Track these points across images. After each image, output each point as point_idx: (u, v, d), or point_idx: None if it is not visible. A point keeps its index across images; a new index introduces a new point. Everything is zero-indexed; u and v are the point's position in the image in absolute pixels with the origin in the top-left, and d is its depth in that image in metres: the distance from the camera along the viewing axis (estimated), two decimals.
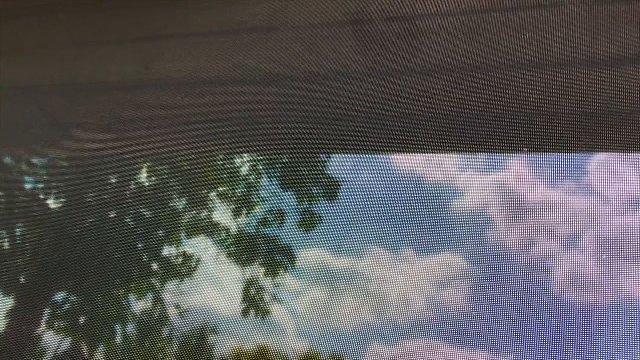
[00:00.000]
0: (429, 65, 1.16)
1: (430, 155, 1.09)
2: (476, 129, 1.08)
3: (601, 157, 0.98)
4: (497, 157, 1.05)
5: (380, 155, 1.13)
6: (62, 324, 1.18)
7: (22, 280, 1.29)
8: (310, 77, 1.24)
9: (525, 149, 1.02)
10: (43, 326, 1.18)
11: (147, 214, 1.32)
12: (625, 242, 0.89)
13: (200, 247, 1.20)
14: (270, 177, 1.24)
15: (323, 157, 1.19)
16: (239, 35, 1.31)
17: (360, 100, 1.18)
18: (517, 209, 0.99)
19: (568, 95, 1.04)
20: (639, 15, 1.02)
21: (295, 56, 1.25)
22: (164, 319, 1.14)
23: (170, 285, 1.17)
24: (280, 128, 1.21)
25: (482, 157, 1.06)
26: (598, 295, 0.89)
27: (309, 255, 1.10)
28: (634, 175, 0.94)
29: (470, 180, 1.05)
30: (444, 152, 1.10)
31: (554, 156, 1.01)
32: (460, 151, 1.09)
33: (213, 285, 1.15)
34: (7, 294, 1.24)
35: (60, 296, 1.22)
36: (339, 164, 1.17)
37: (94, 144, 1.36)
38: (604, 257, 0.90)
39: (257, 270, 1.13)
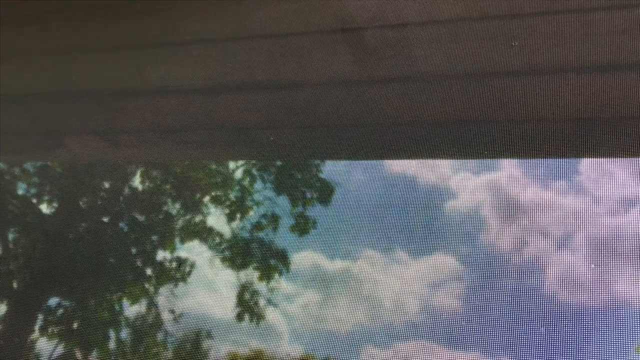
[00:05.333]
0: (419, 73, 1.17)
1: (421, 160, 1.11)
2: (467, 136, 1.09)
3: (591, 160, 0.99)
4: (489, 161, 1.06)
5: (373, 161, 1.14)
6: (55, 330, 1.18)
7: (15, 285, 1.29)
8: (302, 85, 1.25)
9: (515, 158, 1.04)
10: (36, 332, 1.18)
11: (140, 219, 1.32)
12: (617, 243, 0.91)
13: (194, 251, 1.20)
14: (264, 182, 1.25)
15: (317, 161, 1.20)
16: (232, 43, 1.32)
17: (351, 107, 1.19)
18: (509, 210, 1.00)
19: (557, 102, 1.06)
20: (627, 23, 1.04)
21: (287, 64, 1.26)
22: (158, 323, 1.13)
23: (164, 290, 1.17)
24: (271, 138, 1.22)
25: (473, 161, 1.07)
26: (590, 296, 0.90)
27: (303, 259, 1.10)
28: (625, 177, 0.95)
29: (462, 182, 1.06)
30: (435, 158, 1.11)
31: (545, 161, 1.02)
32: (451, 157, 1.11)
33: (207, 289, 1.15)
34: None
35: (53, 301, 1.22)
36: (332, 169, 1.18)
37: (87, 151, 1.36)
38: (593, 266, 0.91)
39: (251, 275, 1.13)
